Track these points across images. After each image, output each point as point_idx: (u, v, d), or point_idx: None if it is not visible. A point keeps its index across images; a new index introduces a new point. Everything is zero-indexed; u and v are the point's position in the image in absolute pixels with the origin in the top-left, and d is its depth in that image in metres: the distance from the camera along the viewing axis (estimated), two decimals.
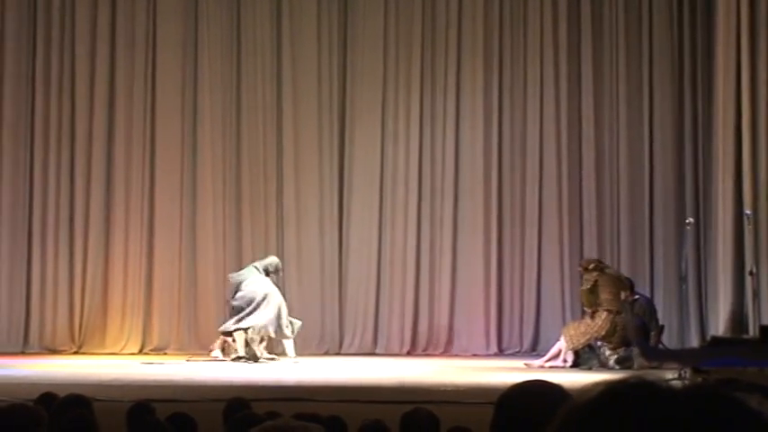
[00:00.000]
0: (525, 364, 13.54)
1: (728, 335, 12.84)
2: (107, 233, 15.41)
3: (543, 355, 13.95)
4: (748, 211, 12.82)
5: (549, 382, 2.86)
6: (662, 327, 13.87)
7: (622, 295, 13.45)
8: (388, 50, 15.71)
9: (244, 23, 15.67)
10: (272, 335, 13.72)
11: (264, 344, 13.79)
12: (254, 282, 13.81)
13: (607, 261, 15.16)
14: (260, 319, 13.59)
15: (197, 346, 14.99)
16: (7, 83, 15.47)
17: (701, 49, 14.97)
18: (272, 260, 14.18)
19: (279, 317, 13.72)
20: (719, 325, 13.49)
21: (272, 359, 13.74)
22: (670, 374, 10.88)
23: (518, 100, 15.60)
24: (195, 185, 15.52)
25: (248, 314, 13.59)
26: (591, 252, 15.26)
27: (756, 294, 12.81)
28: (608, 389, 1.35)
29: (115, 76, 15.57)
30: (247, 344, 13.65)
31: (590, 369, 13.21)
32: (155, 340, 15.24)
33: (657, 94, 15.29)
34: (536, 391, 2.84)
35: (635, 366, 13.07)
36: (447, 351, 15.31)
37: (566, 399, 2.71)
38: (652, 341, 13.47)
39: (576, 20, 15.53)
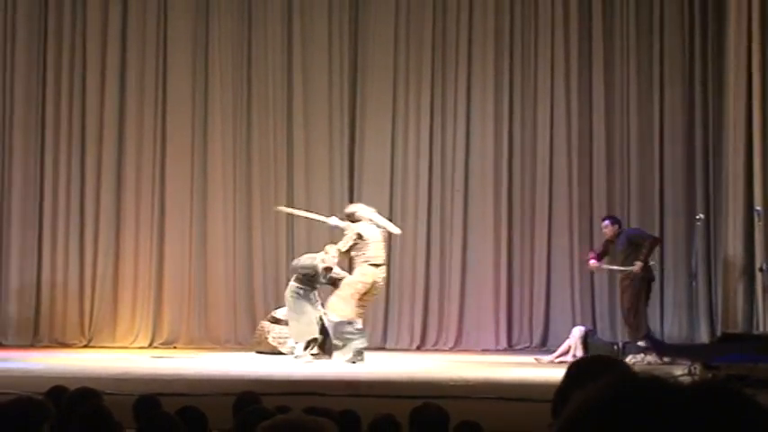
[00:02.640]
0: (535, 359, 13.55)
1: (739, 331, 12.84)
2: (117, 227, 15.44)
3: (553, 351, 13.97)
4: (758, 208, 12.81)
5: (617, 359, 2.89)
6: (657, 239, 13.77)
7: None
8: (399, 48, 15.70)
9: (254, 19, 15.67)
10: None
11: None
12: None
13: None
14: None
15: (207, 339, 15.03)
16: (18, 80, 15.49)
17: (712, 45, 14.94)
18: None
19: None
20: (729, 321, 13.48)
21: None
22: (680, 370, 10.88)
23: (528, 98, 15.59)
24: (206, 181, 15.54)
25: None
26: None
27: (766, 290, 12.80)
28: (617, 384, 1.36)
29: (126, 73, 15.58)
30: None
31: None
32: (165, 334, 15.27)
33: (668, 90, 15.27)
34: (606, 362, 2.86)
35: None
36: (457, 346, 15.31)
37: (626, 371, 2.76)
38: (643, 255, 13.36)
39: (586, 18, 15.51)
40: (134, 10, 15.60)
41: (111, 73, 15.56)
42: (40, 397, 5.17)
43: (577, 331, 13.73)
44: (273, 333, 14.05)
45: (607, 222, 13.82)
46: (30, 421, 4.14)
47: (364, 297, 12.82)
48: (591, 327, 14.32)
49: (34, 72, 15.52)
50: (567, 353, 13.49)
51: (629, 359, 13.25)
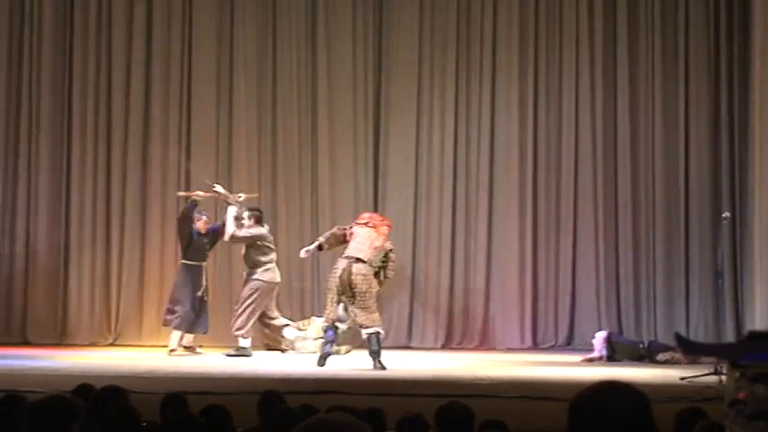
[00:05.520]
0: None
1: (766, 329, 12.76)
2: (143, 225, 15.48)
3: (580, 350, 14.01)
4: None
5: (621, 381, 2.86)
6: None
7: None
8: (424, 44, 15.68)
9: (279, 17, 15.67)
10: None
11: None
12: None
13: (642, 255, 15.12)
14: None
15: (232, 338, 15.00)
16: (45, 79, 15.52)
17: (738, 41, 14.87)
18: None
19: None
20: (756, 319, 13.41)
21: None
22: (706, 369, 10.84)
23: (553, 91, 15.55)
24: (231, 178, 15.55)
25: None
26: (626, 247, 15.18)
27: None
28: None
29: (151, 71, 15.61)
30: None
31: (619, 361, 13.22)
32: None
33: (693, 87, 15.20)
34: (608, 391, 2.84)
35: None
36: (482, 344, 15.28)
37: (638, 397, 2.75)
38: None
39: (611, 10, 15.45)
40: (159, 6, 15.64)
41: (135, 73, 15.58)
42: (69, 395, 5.19)
43: (600, 337, 13.68)
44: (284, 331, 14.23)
45: (246, 214, 13.99)
46: (62, 419, 4.18)
47: None
48: (612, 330, 14.27)
49: (60, 70, 15.55)
50: (596, 358, 13.48)
51: (659, 357, 13.22)
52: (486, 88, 15.58)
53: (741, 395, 3.65)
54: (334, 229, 13.16)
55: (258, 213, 14.05)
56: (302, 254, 13.30)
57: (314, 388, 9.56)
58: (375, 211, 15.39)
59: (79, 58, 15.57)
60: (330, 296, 12.28)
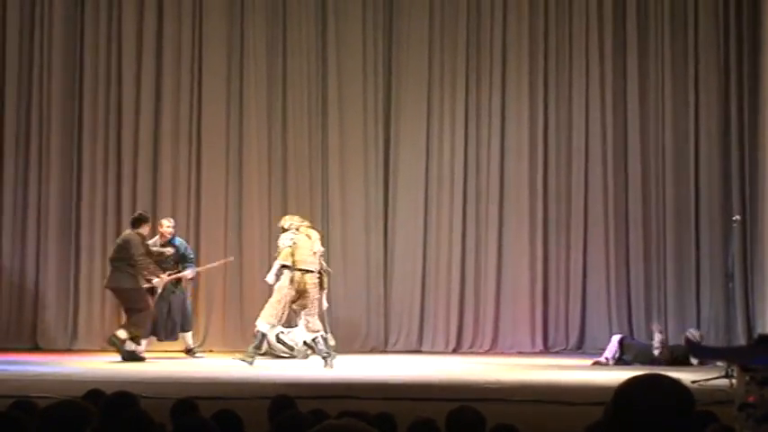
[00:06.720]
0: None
1: None
2: (153, 231, 15.50)
3: (589, 353, 13.97)
4: None
5: (665, 375, 2.88)
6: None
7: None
8: (434, 51, 15.69)
9: (289, 23, 15.69)
10: None
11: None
12: None
13: (653, 259, 15.11)
14: None
15: (243, 343, 15.02)
16: (55, 81, 15.55)
17: (747, 46, 14.86)
18: None
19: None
20: (766, 323, 13.40)
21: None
22: (716, 372, 10.82)
23: (563, 99, 15.55)
24: (241, 185, 15.58)
25: None
26: (637, 250, 15.17)
27: None
28: None
29: (161, 72, 15.64)
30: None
31: (629, 363, 13.21)
32: (200, 338, 15.30)
33: (703, 90, 15.20)
34: (658, 382, 2.86)
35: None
36: (492, 349, 15.29)
37: (685, 391, 2.79)
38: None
39: (621, 16, 15.45)
40: (169, 13, 15.66)
41: (145, 78, 15.61)
42: (80, 400, 5.20)
43: (614, 341, 13.66)
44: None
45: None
46: (74, 425, 4.19)
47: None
48: (626, 334, 14.24)
49: (70, 72, 15.56)
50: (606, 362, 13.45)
51: (693, 360, 13.20)
52: (497, 96, 15.60)
53: (751, 399, 3.66)
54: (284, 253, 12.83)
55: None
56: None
57: (324, 393, 9.55)
58: (385, 213, 15.43)
59: (89, 59, 15.60)
60: (282, 306, 12.54)
